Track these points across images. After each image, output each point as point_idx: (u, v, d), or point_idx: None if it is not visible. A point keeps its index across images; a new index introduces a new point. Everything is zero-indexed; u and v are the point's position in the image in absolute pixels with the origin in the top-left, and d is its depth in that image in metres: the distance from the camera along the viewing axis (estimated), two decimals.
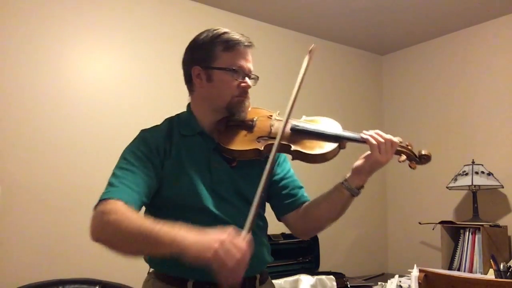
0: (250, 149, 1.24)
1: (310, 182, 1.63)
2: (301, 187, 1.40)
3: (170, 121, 1.33)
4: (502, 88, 3.04)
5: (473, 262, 2.73)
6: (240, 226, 1.19)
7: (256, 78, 1.30)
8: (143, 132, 1.28)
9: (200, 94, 1.30)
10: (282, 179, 1.36)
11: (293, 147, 1.23)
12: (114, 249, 1.09)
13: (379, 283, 2.85)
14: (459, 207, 3.18)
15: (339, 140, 1.26)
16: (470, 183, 2.79)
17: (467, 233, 2.82)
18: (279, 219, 1.39)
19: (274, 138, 1.23)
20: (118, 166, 1.19)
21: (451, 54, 3.37)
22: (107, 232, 1.07)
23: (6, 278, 2.12)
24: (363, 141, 1.25)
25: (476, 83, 3.19)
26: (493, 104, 3.08)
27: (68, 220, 2.33)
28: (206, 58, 1.25)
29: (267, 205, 1.38)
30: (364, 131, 1.26)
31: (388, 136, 1.24)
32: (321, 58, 3.48)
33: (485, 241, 2.65)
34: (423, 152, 1.29)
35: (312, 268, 2.82)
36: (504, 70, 3.04)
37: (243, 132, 1.27)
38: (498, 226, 2.77)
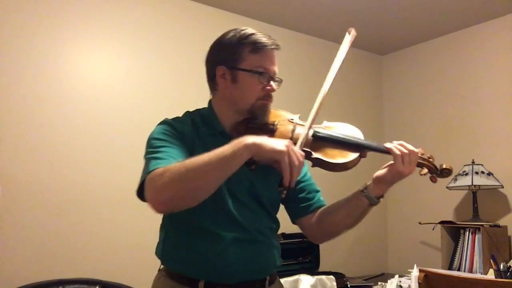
0: None
1: (326, 186, 1.61)
2: (317, 191, 1.39)
3: (191, 115, 1.32)
4: (502, 88, 3.04)
5: (473, 262, 2.73)
6: (255, 229, 1.22)
7: (280, 81, 1.29)
8: (167, 120, 1.26)
9: (223, 94, 1.28)
10: (299, 182, 1.35)
11: (314, 155, 1.21)
12: (188, 197, 1.05)
13: (379, 283, 2.85)
14: (459, 207, 3.18)
15: (361, 149, 1.24)
16: (470, 183, 2.79)
17: (467, 233, 2.82)
18: (293, 222, 1.39)
19: (295, 144, 1.21)
20: (153, 146, 1.16)
21: (451, 54, 3.37)
22: (177, 183, 1.01)
23: (6, 278, 2.12)
24: (386, 151, 1.24)
25: (476, 83, 3.19)
26: (493, 104, 3.08)
27: (68, 220, 2.33)
28: (232, 58, 1.24)
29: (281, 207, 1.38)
30: (388, 143, 1.25)
31: (411, 148, 1.23)
32: (321, 58, 3.48)
33: (485, 241, 2.65)
34: (444, 166, 1.29)
35: (312, 268, 2.82)
36: (504, 70, 3.04)
37: (264, 136, 1.25)
38: (498, 226, 2.77)
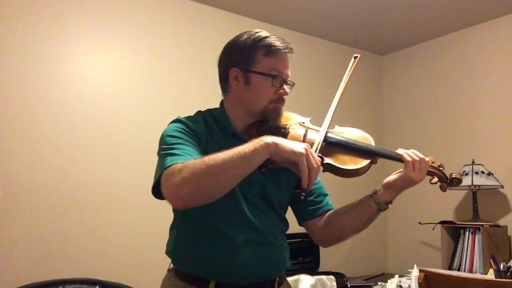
0: None
1: (335, 191, 1.61)
2: (326, 195, 1.39)
3: (203, 114, 1.30)
4: (502, 88, 3.04)
5: (473, 262, 2.73)
6: (267, 230, 1.22)
7: (292, 85, 1.29)
8: (181, 118, 1.25)
9: (236, 96, 1.28)
10: None
11: (326, 160, 1.21)
12: (207, 193, 1.05)
13: (379, 283, 2.85)
14: (459, 207, 3.18)
15: (373, 156, 1.25)
16: (470, 183, 2.79)
17: (467, 233, 2.82)
18: (300, 224, 1.39)
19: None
20: (168, 143, 1.15)
21: (451, 54, 3.37)
22: (196, 179, 1.00)
23: (6, 278, 2.12)
24: (397, 158, 1.25)
25: (476, 83, 3.19)
26: (493, 104, 3.08)
27: (68, 220, 2.33)
28: (246, 61, 1.24)
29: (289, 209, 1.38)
30: (399, 149, 1.27)
31: (422, 156, 1.25)
32: (321, 58, 3.48)
33: (485, 241, 2.65)
34: (454, 175, 1.30)
35: (312, 268, 2.82)
36: (504, 70, 3.04)
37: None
38: (498, 226, 2.77)
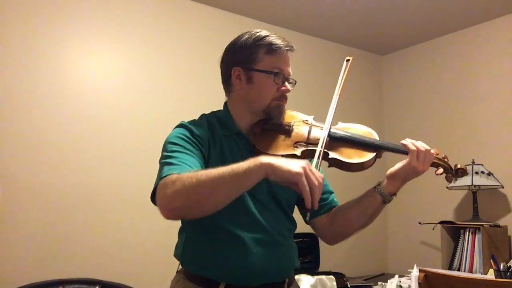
0: (287, 154, 1.22)
1: (340, 189, 1.60)
2: (331, 192, 1.40)
3: (207, 117, 1.31)
4: (502, 88, 3.04)
5: (473, 262, 2.73)
6: (275, 229, 1.22)
7: (294, 83, 1.31)
8: (184, 123, 1.25)
9: (239, 95, 1.29)
10: None
11: (331, 155, 1.22)
12: (196, 208, 1.04)
13: (379, 283, 2.85)
14: (459, 207, 3.18)
15: (377, 149, 1.26)
16: (470, 183, 2.79)
17: (467, 233, 2.82)
18: (306, 223, 1.39)
19: (311, 144, 1.23)
20: (169, 150, 1.15)
21: (451, 54, 3.37)
22: (186, 193, 1.00)
23: (6, 278, 2.12)
24: (402, 150, 1.25)
25: (476, 83, 3.19)
26: (493, 104, 3.08)
27: (68, 220, 2.33)
28: (248, 59, 1.25)
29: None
30: (407, 139, 1.27)
31: (427, 147, 1.25)
32: (321, 58, 3.48)
33: (485, 241, 2.65)
34: (459, 166, 1.31)
35: (312, 268, 2.82)
36: (504, 70, 3.04)
37: (281, 137, 1.27)
38: (498, 226, 2.77)
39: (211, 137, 1.24)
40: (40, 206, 2.26)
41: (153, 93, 2.69)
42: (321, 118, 1.33)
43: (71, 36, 2.46)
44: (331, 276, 2.60)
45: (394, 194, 1.27)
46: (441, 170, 1.29)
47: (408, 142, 1.25)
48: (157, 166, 1.18)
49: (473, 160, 2.87)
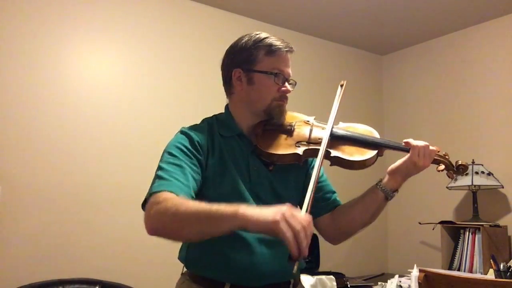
0: (290, 154, 1.24)
1: (341, 190, 1.60)
2: (334, 192, 1.40)
3: (208, 122, 1.32)
4: (502, 88, 3.04)
5: (473, 262, 2.73)
6: None
7: (294, 84, 1.32)
8: (185, 129, 1.26)
9: (240, 97, 1.30)
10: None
11: (333, 153, 1.24)
12: (172, 235, 1.06)
13: (379, 283, 2.85)
14: (459, 207, 3.18)
15: (379, 147, 1.27)
16: (470, 183, 2.79)
17: (467, 233, 2.82)
18: None
19: (313, 143, 1.24)
20: (164, 161, 1.17)
21: (451, 54, 3.37)
22: (164, 220, 1.02)
23: (6, 278, 2.12)
24: (403, 148, 1.27)
25: (476, 83, 3.19)
26: (493, 104, 3.08)
27: (68, 220, 2.33)
28: (248, 61, 1.27)
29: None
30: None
31: (427, 143, 1.27)
32: (321, 58, 3.48)
33: (485, 241, 2.65)
34: (460, 163, 1.32)
35: (312, 268, 2.82)
36: (504, 70, 3.04)
37: (282, 136, 1.28)
38: (498, 226, 2.77)
39: (211, 142, 1.25)
40: (40, 206, 2.26)
41: (153, 93, 2.69)
42: (321, 118, 1.34)
43: (71, 37, 2.46)
44: (331, 276, 2.60)
45: (396, 190, 1.29)
46: (442, 166, 1.31)
47: (410, 140, 1.27)
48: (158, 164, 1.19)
49: (473, 160, 2.87)
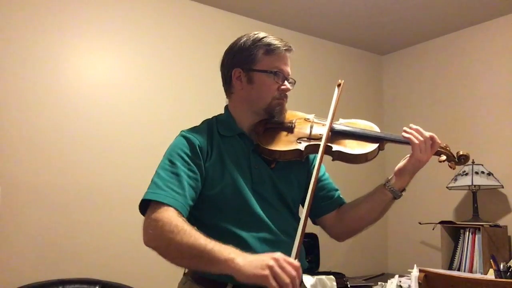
0: (291, 150, 1.25)
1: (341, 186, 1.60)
2: (336, 189, 1.41)
3: (208, 123, 1.33)
4: (502, 88, 3.04)
5: (473, 262, 2.73)
6: (280, 228, 1.22)
7: (294, 82, 1.33)
8: (185, 132, 1.27)
9: (240, 96, 1.31)
10: (318, 181, 1.36)
11: (335, 148, 1.26)
12: (166, 258, 1.09)
13: (379, 283, 2.85)
14: (459, 207, 3.18)
15: (379, 140, 1.29)
16: (470, 183, 2.79)
17: (467, 233, 2.82)
18: (314, 222, 1.40)
19: (314, 139, 1.26)
20: (163, 168, 1.18)
21: (451, 54, 3.37)
22: (161, 243, 1.07)
23: (6, 278, 2.12)
24: (404, 141, 1.29)
25: (476, 83, 3.19)
26: (493, 104, 3.08)
27: (68, 220, 2.33)
28: (247, 60, 1.28)
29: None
30: (405, 128, 1.31)
31: (428, 134, 1.29)
32: (321, 58, 3.48)
33: (485, 241, 2.65)
34: (461, 153, 1.33)
35: (312, 268, 2.82)
36: (504, 70, 3.04)
37: (283, 134, 1.29)
38: (498, 226, 2.77)
39: (210, 143, 1.25)
40: (40, 206, 2.26)
41: (153, 93, 2.69)
42: (320, 117, 1.34)
43: (71, 37, 2.46)
44: (331, 276, 2.59)
45: (403, 189, 1.30)
46: (443, 157, 1.32)
47: (410, 135, 1.28)
48: (157, 166, 1.19)
49: (473, 160, 2.86)
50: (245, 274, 0.95)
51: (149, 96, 2.67)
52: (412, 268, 2.39)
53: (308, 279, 2.50)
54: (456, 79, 3.32)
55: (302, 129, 1.30)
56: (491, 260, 2.29)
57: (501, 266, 2.20)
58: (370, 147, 1.27)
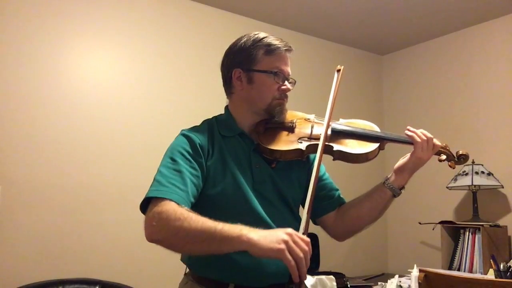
0: (293, 150, 1.25)
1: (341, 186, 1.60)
2: (337, 189, 1.41)
3: (209, 123, 1.33)
4: (502, 88, 3.04)
5: (473, 262, 2.73)
6: (281, 228, 1.22)
7: (294, 82, 1.33)
8: (186, 131, 1.27)
9: (240, 96, 1.31)
10: (319, 180, 1.36)
11: (336, 147, 1.26)
12: (172, 248, 1.08)
13: (379, 283, 2.85)
14: (459, 207, 3.18)
15: (380, 140, 1.30)
16: (470, 183, 2.79)
17: (467, 233, 2.82)
18: (315, 222, 1.40)
19: (315, 139, 1.26)
20: (164, 165, 1.18)
21: (451, 54, 3.37)
22: (166, 233, 1.04)
23: (6, 278, 2.12)
24: (405, 141, 1.31)
25: (476, 83, 3.19)
26: (493, 104, 3.08)
27: (68, 220, 2.33)
28: (248, 61, 1.28)
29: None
30: (409, 127, 1.32)
31: (430, 135, 1.30)
32: (321, 58, 3.48)
33: (485, 241, 2.65)
34: (461, 152, 1.35)
35: (312, 268, 2.82)
36: (504, 70, 3.04)
37: (284, 133, 1.30)
38: (498, 226, 2.77)
39: (211, 142, 1.25)
40: (40, 206, 2.26)
41: (153, 93, 2.68)
42: (320, 117, 1.34)
43: (71, 36, 2.46)
44: (331, 276, 2.60)
45: (403, 187, 1.31)
46: (444, 156, 1.33)
47: (413, 134, 1.30)
48: (157, 166, 1.20)
49: (473, 160, 2.86)
50: (260, 248, 0.95)
51: (149, 96, 2.67)
52: (412, 268, 2.39)
53: (308, 279, 2.51)
54: (456, 79, 3.32)
55: (303, 129, 1.31)
56: (491, 260, 2.29)
57: (501, 266, 2.20)
58: (371, 146, 1.28)
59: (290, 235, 0.97)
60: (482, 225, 2.71)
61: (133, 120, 2.59)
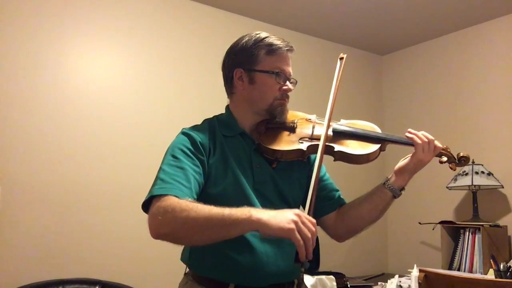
0: (294, 150, 1.25)
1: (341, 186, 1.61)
2: (337, 190, 1.41)
3: (209, 122, 1.33)
4: (502, 88, 3.04)
5: (473, 262, 2.73)
6: None
7: (295, 82, 1.33)
8: (186, 130, 1.26)
9: (241, 96, 1.31)
10: (319, 181, 1.36)
11: (337, 148, 1.26)
12: (181, 241, 1.09)
13: (379, 283, 2.85)
14: (459, 207, 3.18)
15: (381, 141, 1.30)
16: (470, 183, 2.79)
17: (467, 233, 2.82)
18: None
19: (316, 139, 1.26)
20: (167, 163, 1.17)
21: (451, 54, 3.37)
22: (174, 225, 1.03)
23: (6, 278, 2.12)
24: (405, 142, 1.31)
25: (476, 83, 3.19)
26: (493, 104, 3.08)
27: (68, 220, 2.33)
28: (249, 61, 1.27)
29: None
30: (410, 130, 1.33)
31: (431, 137, 1.31)
32: (321, 58, 3.48)
33: (485, 241, 2.65)
34: (461, 154, 1.35)
35: (312, 268, 2.82)
36: (504, 70, 3.04)
37: (285, 134, 1.30)
38: (498, 226, 2.77)
39: (212, 141, 1.25)
40: (40, 206, 2.26)
41: (153, 93, 2.68)
42: (322, 117, 1.34)
43: (71, 37, 2.46)
44: (331, 276, 2.60)
45: (403, 188, 1.31)
46: (445, 158, 1.34)
47: (414, 136, 1.30)
48: (157, 166, 1.19)
49: (473, 160, 2.86)
50: (271, 228, 0.97)
51: (149, 96, 2.67)
52: (412, 268, 2.39)
53: (308, 279, 2.51)
54: (456, 79, 3.32)
55: (304, 129, 1.31)
56: (491, 260, 2.29)
57: (501, 266, 2.20)
58: (372, 148, 1.28)
59: (298, 215, 0.99)
60: (482, 225, 2.71)
61: (133, 120, 2.59)
